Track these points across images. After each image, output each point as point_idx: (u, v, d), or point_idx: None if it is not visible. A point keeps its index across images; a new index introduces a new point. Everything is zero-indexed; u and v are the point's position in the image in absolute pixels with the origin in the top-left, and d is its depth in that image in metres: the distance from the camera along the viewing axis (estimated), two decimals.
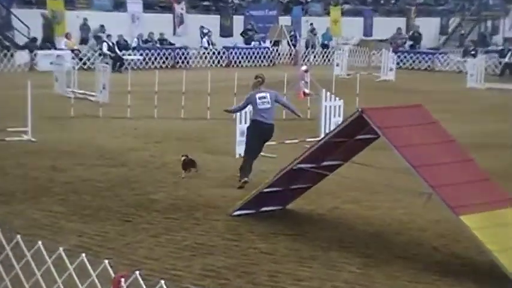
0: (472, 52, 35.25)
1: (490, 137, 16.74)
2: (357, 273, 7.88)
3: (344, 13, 40.87)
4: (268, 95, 11.88)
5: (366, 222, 9.77)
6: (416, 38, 39.42)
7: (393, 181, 10.80)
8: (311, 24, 38.30)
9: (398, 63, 32.96)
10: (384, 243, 8.88)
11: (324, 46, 37.22)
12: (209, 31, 35.03)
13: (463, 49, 38.10)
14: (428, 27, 42.59)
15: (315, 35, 38.01)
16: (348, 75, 28.58)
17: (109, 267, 5.83)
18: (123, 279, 5.47)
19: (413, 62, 35.51)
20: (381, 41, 38.48)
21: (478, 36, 44.95)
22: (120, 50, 30.75)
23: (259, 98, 11.81)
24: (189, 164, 12.24)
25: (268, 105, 11.78)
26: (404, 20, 42.80)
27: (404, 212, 10.19)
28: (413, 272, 7.88)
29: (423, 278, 7.72)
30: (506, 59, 32.24)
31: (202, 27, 34.99)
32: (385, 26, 40.02)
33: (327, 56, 35.18)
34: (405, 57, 35.56)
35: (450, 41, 44.77)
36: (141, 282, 5.58)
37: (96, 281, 6.07)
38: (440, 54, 36.80)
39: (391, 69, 30.48)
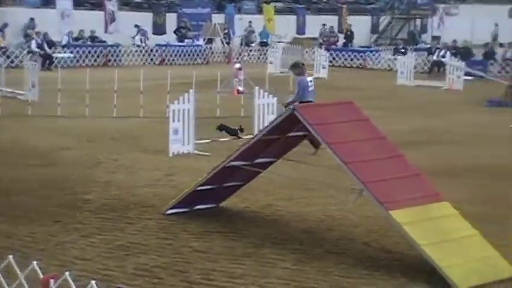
0: (402, 50, 35.84)
1: (420, 133, 17.06)
2: (290, 269, 7.92)
3: (277, 11, 41.07)
4: (311, 78, 14.07)
5: (299, 219, 9.83)
6: (348, 36, 39.90)
7: (326, 178, 10.90)
8: (250, 22, 38.41)
9: (330, 61, 33.28)
10: (317, 239, 8.96)
11: (263, 44, 37.34)
12: (144, 30, 34.79)
13: (394, 47, 38.72)
14: (360, 25, 43.12)
15: (253, 32, 38.13)
16: (282, 72, 28.73)
17: (37, 269, 5.73)
18: (52, 280, 5.38)
19: (346, 59, 35.89)
20: (313, 39, 38.83)
21: (407, 34, 45.75)
22: (50, 48, 30.26)
23: (309, 82, 13.79)
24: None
25: (313, 88, 13.78)
26: (336, 18, 43.24)
27: (337, 208, 10.29)
28: (345, 266, 7.97)
29: (355, 272, 7.81)
30: (435, 57, 32.86)
31: (137, 25, 34.71)
32: (318, 24, 40.38)
33: (265, 54, 35.33)
34: (337, 55, 35.92)
35: (381, 39, 45.45)
36: (71, 282, 5.50)
37: (24, 282, 5.95)
38: (371, 52, 37.31)
39: (323, 67, 30.76)
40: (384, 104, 22.50)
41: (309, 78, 13.89)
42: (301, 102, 13.20)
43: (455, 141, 16.04)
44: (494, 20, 48.75)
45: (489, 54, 33.50)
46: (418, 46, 40.09)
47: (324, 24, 39.77)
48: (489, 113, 20.54)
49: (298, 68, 14.27)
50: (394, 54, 36.01)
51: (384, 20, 46.66)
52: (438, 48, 33.81)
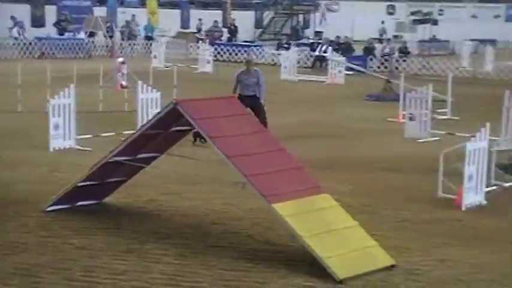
0: (285, 45, 36.36)
1: (303, 127, 17.37)
2: (174, 264, 7.91)
3: (161, 4, 40.79)
4: None
5: (183, 214, 9.82)
6: (232, 31, 40.11)
7: (211, 172, 10.94)
8: (133, 15, 37.94)
9: (215, 56, 33.37)
10: (201, 233, 8.98)
11: (148, 38, 36.96)
12: (21, 22, 33.80)
13: (277, 42, 39.22)
14: (244, 20, 43.45)
15: (137, 26, 37.69)
16: (166, 67, 28.57)
17: None
18: None
19: (230, 54, 36.08)
20: (194, 33, 38.82)
21: (291, 30, 46.47)
22: None
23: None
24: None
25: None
26: (221, 12, 43.39)
27: (221, 202, 10.34)
28: (229, 260, 8.03)
29: (238, 265, 7.88)
30: (317, 52, 33.49)
31: (13, 17, 33.67)
32: (203, 19, 40.37)
33: (149, 48, 34.97)
34: (222, 49, 36.05)
35: (265, 34, 45.97)
36: None
37: None
38: (255, 47, 37.65)
39: (208, 62, 30.80)
40: (267, 98, 22.74)
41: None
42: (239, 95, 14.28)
43: (337, 135, 16.42)
44: (373, 16, 50.13)
45: (369, 50, 34.42)
46: (301, 41, 40.76)
47: (200, 19, 39.74)
48: (369, 107, 21.13)
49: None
50: (277, 49, 36.48)
51: (268, 15, 47.20)
52: (320, 43, 34.49)
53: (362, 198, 10.75)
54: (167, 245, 8.47)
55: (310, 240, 7.63)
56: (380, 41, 36.84)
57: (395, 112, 18.17)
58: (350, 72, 28.83)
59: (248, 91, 14.94)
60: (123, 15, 38.46)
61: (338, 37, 36.12)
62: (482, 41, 45.78)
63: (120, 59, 22.49)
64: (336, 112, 19.99)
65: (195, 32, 38.61)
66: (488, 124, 10.56)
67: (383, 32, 45.58)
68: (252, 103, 14.42)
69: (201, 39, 36.57)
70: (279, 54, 33.09)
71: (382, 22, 47.22)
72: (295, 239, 7.96)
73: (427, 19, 46.25)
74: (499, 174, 11.39)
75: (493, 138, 12.23)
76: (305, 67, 32.64)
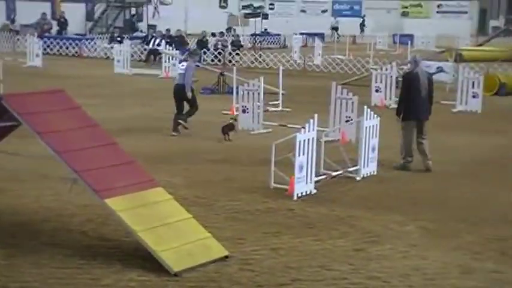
0: (118, 38, 35.87)
1: (138, 120, 17.23)
2: (2, 264, 7.61)
3: None
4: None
5: (11, 212, 9.47)
6: (62, 24, 39.07)
7: (41, 168, 10.61)
8: None
9: (45, 49, 32.39)
10: (31, 231, 8.69)
11: None
12: None
13: (110, 35, 38.61)
14: (74, 13, 42.44)
15: None
16: None
17: None
18: None
19: (61, 47, 35.15)
20: (25, 26, 37.52)
21: (123, 22, 45.91)
22: None
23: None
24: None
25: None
26: (49, 4, 42.16)
27: (53, 198, 10.06)
28: (61, 258, 7.83)
29: (71, 263, 7.70)
30: (150, 46, 33.31)
31: None
32: (30, 11, 39.06)
33: None
34: (52, 42, 35.04)
35: (97, 28, 45.12)
36: None
37: None
38: (87, 40, 36.90)
39: (37, 55, 29.85)
40: (101, 92, 22.38)
41: (182, 64, 16.41)
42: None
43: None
44: (206, 10, 50.45)
45: (202, 43, 34.63)
46: (134, 35, 40.37)
47: (43, 13, 38.49)
48: (204, 100, 21.17)
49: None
50: (110, 43, 35.93)
51: (99, 7, 46.35)
52: (154, 36, 34.31)
53: (197, 190, 10.81)
54: None
55: (144, 235, 7.58)
56: (213, 34, 37.14)
57: (230, 105, 18.41)
58: None
59: (179, 80, 15.92)
60: None
61: (168, 30, 36.05)
62: (311, 35, 47.38)
63: None
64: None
65: (27, 25, 37.35)
66: (316, 115, 10.91)
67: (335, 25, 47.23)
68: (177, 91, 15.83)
69: (15, 31, 35.31)
70: (111, 47, 32.60)
71: (335, 18, 49.07)
72: (129, 234, 7.88)
73: (258, 13, 47.17)
74: (327, 164, 11.81)
75: (322, 129, 12.65)
76: (139, 61, 32.38)
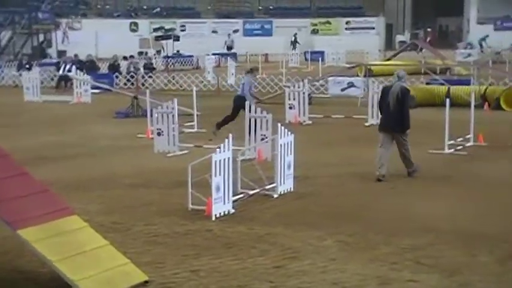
0: (27, 66, 35.22)
1: (51, 148, 16.91)
2: None
3: None
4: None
5: None
6: None
7: None
8: None
9: None
10: None
11: None
12: None
13: (18, 62, 37.87)
14: None
15: None
16: None
17: None
18: None
19: None
20: None
21: (32, 49, 45.13)
22: None
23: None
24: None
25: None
26: None
27: None
28: None
29: None
30: (61, 72, 32.82)
31: None
32: None
33: None
34: None
35: (4, 55, 44.20)
36: None
37: None
38: None
39: None
40: (11, 121, 21.92)
41: (243, 79, 18.66)
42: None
43: (86, 154, 16.17)
44: (117, 34, 50.04)
45: (114, 67, 34.35)
46: (44, 61, 39.74)
47: None
48: (118, 124, 21.06)
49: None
50: (18, 70, 35.24)
51: (5, 35, 45.43)
52: (64, 62, 33.83)
53: (113, 216, 10.67)
54: None
55: (61, 264, 7.41)
56: (124, 58, 36.90)
57: (145, 128, 18.28)
58: (96, 91, 28.58)
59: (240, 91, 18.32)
60: None
61: (76, 55, 35.64)
62: (224, 55, 47.62)
63: None
64: (85, 131, 19.70)
65: None
66: (231, 135, 10.94)
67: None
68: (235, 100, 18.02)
69: None
70: (20, 75, 31.97)
71: (229, 35, 48.96)
72: (45, 264, 7.69)
73: (169, 35, 47.17)
74: (244, 182, 11.84)
75: (238, 148, 12.69)
76: (50, 87, 31.85)
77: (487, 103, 22.99)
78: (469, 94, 18.85)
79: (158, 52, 44.96)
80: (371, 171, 13.57)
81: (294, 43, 57.50)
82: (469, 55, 42.38)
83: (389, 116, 13.08)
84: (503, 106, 22.80)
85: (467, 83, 24.99)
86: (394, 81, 13.41)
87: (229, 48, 52.97)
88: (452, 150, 15.61)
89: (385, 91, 13.33)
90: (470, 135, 16.45)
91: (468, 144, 16.26)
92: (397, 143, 13.22)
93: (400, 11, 70.64)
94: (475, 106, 17.25)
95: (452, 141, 15.92)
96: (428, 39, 60.21)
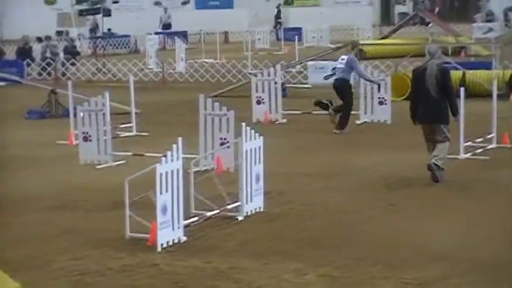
0: None
1: None
2: None
3: None
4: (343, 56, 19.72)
5: None
6: None
7: None
8: None
9: None
10: None
11: None
12: None
13: None
14: None
15: None
16: None
17: None
18: None
19: None
20: None
21: None
22: None
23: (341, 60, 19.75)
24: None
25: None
26: None
27: None
28: None
29: None
30: None
31: None
32: None
33: None
34: None
35: None
36: None
37: None
38: None
39: None
40: None
41: (341, 58, 19.64)
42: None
43: None
44: (29, 9, 49.83)
45: (24, 52, 34.17)
46: None
47: None
48: (31, 128, 20.98)
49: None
50: None
51: None
52: None
53: (28, 248, 10.64)
54: None
55: None
56: (39, 39, 36.73)
57: (66, 132, 18.22)
58: (1, 83, 28.45)
59: (338, 75, 19.39)
60: None
61: None
62: (171, 34, 47.63)
63: None
64: None
65: None
66: (180, 139, 10.95)
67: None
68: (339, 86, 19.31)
69: None
70: None
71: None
72: None
73: (97, 8, 47.06)
74: (200, 201, 11.86)
75: (191, 156, 12.72)
76: None
77: None
78: (490, 81, 19.09)
79: (92, 31, 44.75)
80: (364, 183, 13.68)
81: (276, 18, 57.40)
82: (490, 30, 42.85)
83: (430, 105, 13.66)
84: None
85: (487, 66, 25.27)
86: (427, 60, 13.95)
87: (166, 26, 52.16)
88: (470, 154, 15.80)
89: (418, 75, 13.95)
90: (493, 135, 16.65)
91: (490, 146, 16.47)
92: (436, 134, 13.73)
93: None
94: (498, 96, 17.47)
95: (469, 143, 16.10)
96: (436, 9, 60.82)
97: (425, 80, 13.63)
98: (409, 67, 26.77)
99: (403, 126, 18.82)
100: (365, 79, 20.31)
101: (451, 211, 12.16)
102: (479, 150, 16.09)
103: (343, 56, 19.59)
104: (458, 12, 70.34)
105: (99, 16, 44.61)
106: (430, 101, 13.63)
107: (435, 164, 13.54)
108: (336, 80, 19.34)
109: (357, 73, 20.02)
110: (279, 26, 55.89)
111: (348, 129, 19.05)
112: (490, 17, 53.51)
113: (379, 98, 20.37)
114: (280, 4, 60.87)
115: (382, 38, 39.25)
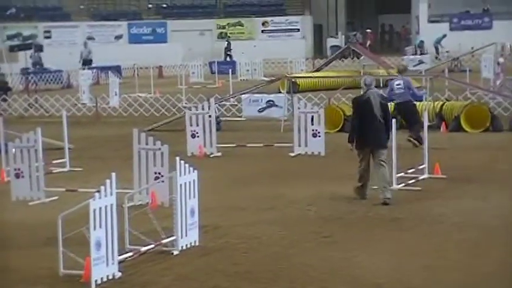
0: None
1: None
2: None
3: None
4: (399, 82, 20.78)
5: None
6: None
7: None
8: None
9: None
10: None
11: None
12: None
13: None
14: None
15: None
16: None
17: None
18: None
19: None
20: None
21: None
22: None
23: (397, 85, 20.71)
24: None
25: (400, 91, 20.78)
26: None
27: None
28: None
29: None
30: None
31: None
32: None
33: None
34: None
35: None
36: None
37: None
38: None
39: None
40: None
41: (397, 82, 20.62)
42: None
43: None
44: None
45: None
46: None
47: None
48: None
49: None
50: None
51: None
52: None
53: None
54: None
55: None
56: None
57: None
58: None
59: (400, 98, 20.42)
60: None
61: None
62: (104, 68, 47.43)
63: None
64: None
65: None
66: (114, 174, 10.87)
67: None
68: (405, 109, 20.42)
69: None
70: None
71: None
72: None
73: (29, 44, 46.67)
74: (135, 236, 11.77)
75: (125, 190, 12.63)
76: None
77: (444, 123, 23.54)
78: (421, 112, 19.27)
79: (35, 65, 44.12)
80: (298, 215, 13.70)
81: (226, 51, 57.33)
82: (421, 62, 43.38)
83: (378, 131, 14.38)
84: (464, 126, 23.36)
85: (418, 98, 25.55)
86: (365, 90, 14.64)
87: (87, 62, 49.78)
88: (402, 185, 15.92)
89: (360, 103, 14.61)
90: (425, 165, 16.80)
91: (422, 176, 16.60)
92: (379, 157, 14.42)
93: (332, 8, 71.95)
94: (429, 127, 17.66)
95: (401, 174, 16.24)
96: (368, 43, 61.52)
97: (372, 107, 14.24)
98: (342, 99, 27.08)
99: (337, 158, 18.99)
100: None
101: (384, 242, 12.24)
102: (412, 181, 16.22)
103: (397, 82, 20.71)
104: (390, 45, 71.34)
105: (30, 51, 44.24)
106: (378, 128, 14.36)
107: (388, 198, 14.27)
108: (399, 104, 20.40)
109: (413, 94, 20.74)
110: (229, 58, 55.98)
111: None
112: (421, 48, 54.05)
113: (312, 130, 20.43)
114: (229, 37, 61.12)
115: (315, 71, 39.61)
